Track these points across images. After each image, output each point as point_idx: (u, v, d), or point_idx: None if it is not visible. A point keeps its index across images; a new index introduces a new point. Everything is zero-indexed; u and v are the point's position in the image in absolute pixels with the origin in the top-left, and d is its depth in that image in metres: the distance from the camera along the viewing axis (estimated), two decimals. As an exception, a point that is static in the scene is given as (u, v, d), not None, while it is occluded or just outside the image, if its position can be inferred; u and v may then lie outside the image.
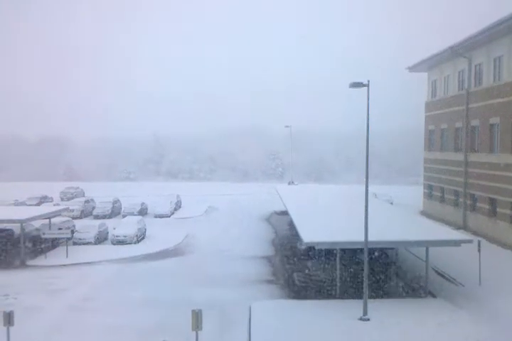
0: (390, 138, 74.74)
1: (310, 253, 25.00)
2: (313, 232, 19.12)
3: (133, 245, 29.92)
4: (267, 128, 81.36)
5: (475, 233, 30.48)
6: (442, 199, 37.55)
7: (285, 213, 33.01)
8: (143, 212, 41.55)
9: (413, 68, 40.90)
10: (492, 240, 28.35)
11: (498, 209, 28.82)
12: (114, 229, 31.38)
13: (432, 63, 38.08)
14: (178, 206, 45.76)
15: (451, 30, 48.04)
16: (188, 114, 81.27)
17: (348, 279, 20.53)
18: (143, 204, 42.57)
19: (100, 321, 17.08)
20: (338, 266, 19.09)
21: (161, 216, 40.81)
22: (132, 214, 39.17)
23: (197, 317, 12.75)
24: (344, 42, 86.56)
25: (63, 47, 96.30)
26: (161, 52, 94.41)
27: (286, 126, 62.72)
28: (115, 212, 42.18)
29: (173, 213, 42.61)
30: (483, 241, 26.04)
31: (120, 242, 30.15)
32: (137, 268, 24.72)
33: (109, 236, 31.55)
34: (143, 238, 32.06)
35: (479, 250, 20.58)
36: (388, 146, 74.33)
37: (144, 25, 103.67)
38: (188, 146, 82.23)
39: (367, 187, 17.22)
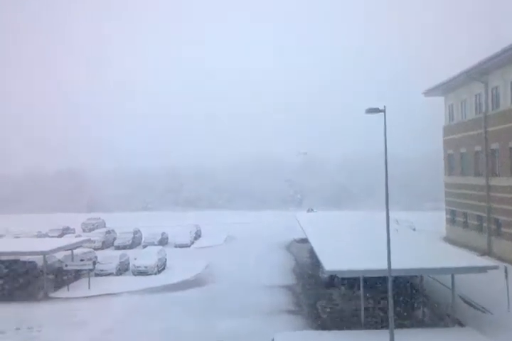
0: (409, 163, 74.32)
1: (332, 281, 24.66)
2: (334, 260, 18.92)
3: (154, 276, 29.89)
4: (284, 155, 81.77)
5: (500, 259, 29.72)
6: (465, 225, 36.89)
7: (305, 241, 32.76)
8: (163, 242, 41.63)
9: (428, 93, 41.08)
10: (519, 266, 27.59)
11: (523, 234, 28.19)
12: (135, 259, 31.45)
13: (447, 87, 38.21)
14: (197, 235, 45.79)
15: (467, 53, 48.10)
16: (205, 142, 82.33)
17: (373, 308, 20.13)
18: (163, 234, 42.72)
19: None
20: (362, 295, 18.77)
21: (181, 246, 40.84)
22: (153, 244, 39.27)
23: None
24: (362, 67, 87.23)
25: (79, 81, 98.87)
26: (179, 83, 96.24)
27: (303, 153, 63.02)
28: (136, 242, 42.34)
29: (193, 243, 42.61)
30: (510, 267, 25.42)
31: (141, 273, 30.15)
32: (158, 299, 24.62)
33: (131, 266, 31.58)
34: (163, 268, 32.02)
35: (506, 276, 20.09)
36: (407, 171, 73.76)
37: (163, 59, 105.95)
38: (205, 175, 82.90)
39: (388, 213, 17.07)
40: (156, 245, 37.90)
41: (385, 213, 17.10)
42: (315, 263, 27.84)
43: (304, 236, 31.94)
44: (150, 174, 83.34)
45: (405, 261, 18.18)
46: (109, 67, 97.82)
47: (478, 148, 34.31)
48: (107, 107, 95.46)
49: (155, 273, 30.28)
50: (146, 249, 34.23)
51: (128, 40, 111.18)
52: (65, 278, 28.37)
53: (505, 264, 26.03)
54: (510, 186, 29.64)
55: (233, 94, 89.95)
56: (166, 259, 32.80)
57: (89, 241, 34.33)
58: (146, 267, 30.24)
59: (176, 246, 40.66)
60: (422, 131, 65.25)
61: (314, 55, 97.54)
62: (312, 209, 57.92)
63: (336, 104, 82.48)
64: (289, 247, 40.17)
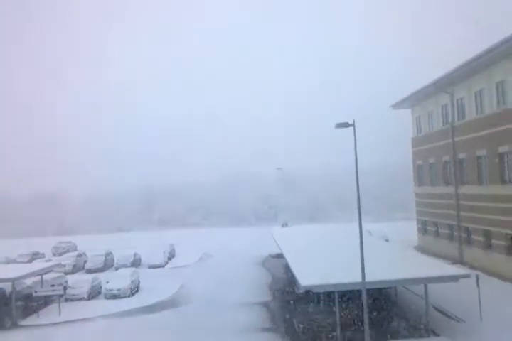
0: (379, 175, 75.32)
1: (308, 296, 24.50)
2: (310, 275, 18.84)
3: (127, 298, 29.19)
4: (258, 171, 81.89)
5: (472, 267, 30.16)
6: (436, 234, 37.43)
7: (281, 256, 32.57)
8: (136, 263, 40.82)
9: (396, 106, 41.97)
10: (490, 273, 28.02)
11: (492, 241, 28.73)
12: (107, 282, 30.67)
13: (414, 100, 39.12)
14: (171, 255, 45.10)
15: (434, 66, 49.43)
16: (178, 161, 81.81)
17: (349, 322, 20.03)
18: (136, 255, 41.90)
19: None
20: (337, 309, 18.67)
21: (154, 266, 40.11)
22: (125, 266, 38.46)
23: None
24: (332, 82, 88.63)
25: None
26: (152, 101, 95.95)
27: (278, 168, 63.27)
28: (108, 264, 41.37)
29: (167, 263, 41.91)
30: (481, 275, 25.75)
31: (114, 296, 29.41)
32: (131, 323, 23.97)
33: (103, 290, 30.77)
34: (137, 290, 31.31)
35: (478, 284, 20.33)
36: (378, 183, 74.72)
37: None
38: (179, 194, 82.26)
39: (360, 226, 17.18)
40: (128, 267, 37.11)
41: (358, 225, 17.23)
42: (291, 278, 27.67)
43: (279, 252, 31.77)
44: (123, 194, 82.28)
45: (379, 272, 18.24)
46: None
47: (446, 158, 35.06)
48: (78, 128, 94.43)
49: (128, 296, 29.57)
50: (118, 271, 33.47)
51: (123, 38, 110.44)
52: (34, 304, 27.45)
53: (477, 272, 26.41)
54: (478, 194, 30.29)
55: (197, 114, 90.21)
56: (139, 281, 32.10)
57: (59, 265, 33.37)
58: (118, 290, 29.51)
59: (149, 267, 39.91)
60: (393, 143, 66.36)
61: (288, 70, 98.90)
62: (287, 224, 57.88)
63: (309, 119, 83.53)
64: (264, 263, 39.91)
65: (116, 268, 38.01)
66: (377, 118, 66.66)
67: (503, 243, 27.48)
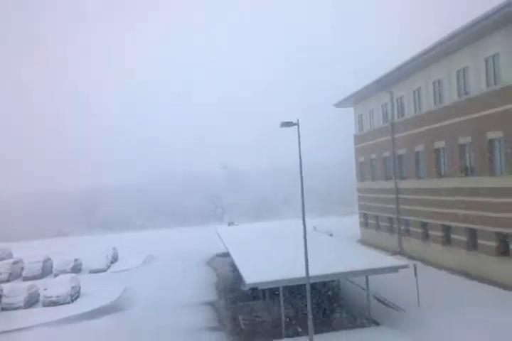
0: (325, 170, 76.89)
1: (254, 293, 24.47)
2: (255, 272, 18.76)
3: (67, 305, 27.96)
4: (204, 171, 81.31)
5: (411, 257, 31.28)
6: (378, 227, 38.53)
7: (227, 255, 32.37)
8: (76, 268, 39.24)
9: (339, 104, 42.78)
10: (427, 263, 29.18)
11: (429, 232, 29.88)
12: (45, 289, 29.24)
13: (356, 98, 40.02)
14: (114, 259, 43.72)
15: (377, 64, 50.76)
16: (119, 162, 79.76)
17: (293, 316, 20.16)
18: (76, 260, 40.26)
19: None
20: (282, 304, 18.71)
21: (96, 271, 38.70)
22: (65, 272, 36.84)
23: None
24: (273, 79, 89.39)
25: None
26: (92, 99, 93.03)
27: (223, 167, 63.08)
28: (46, 271, 39.50)
29: (109, 267, 40.54)
30: (419, 265, 26.78)
31: (53, 303, 28.09)
32: (71, 330, 22.94)
33: (41, 297, 29.32)
34: (77, 296, 30.06)
35: (416, 274, 21.02)
36: (324, 179, 76.26)
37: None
38: (121, 196, 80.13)
39: (304, 223, 17.28)
40: (68, 272, 35.59)
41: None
42: (237, 276, 27.53)
43: (225, 250, 31.53)
44: (62, 197, 79.00)
45: (322, 266, 18.43)
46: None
47: (386, 154, 36.12)
48: (17, 127, 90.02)
49: (68, 303, 28.33)
50: (57, 277, 31.97)
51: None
52: (-34, 315, 25.76)
53: (415, 262, 27.41)
54: (417, 188, 31.40)
55: (145, 111, 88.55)
56: (79, 287, 30.82)
57: (-8, 273, 31.49)
58: (57, 297, 28.21)
59: (90, 272, 38.47)
60: (337, 140, 67.87)
61: (232, 65, 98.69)
62: (233, 223, 57.82)
63: (254, 117, 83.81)
64: (211, 262, 39.52)
65: (55, 275, 36.36)
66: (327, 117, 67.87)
67: (439, 234, 28.64)
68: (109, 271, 39.34)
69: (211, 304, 25.64)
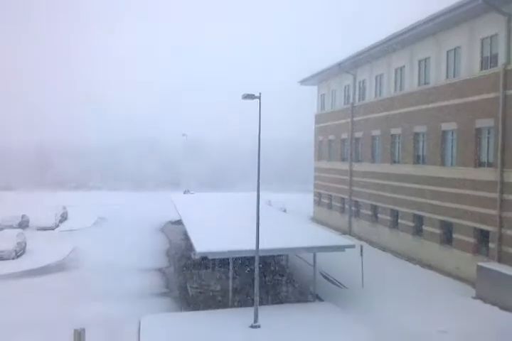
0: (285, 147, 77.44)
1: (204, 263, 24.83)
2: (206, 242, 18.95)
3: (11, 261, 27.43)
4: (163, 137, 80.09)
5: (359, 237, 32.48)
6: (330, 206, 39.57)
7: (180, 222, 32.47)
8: (23, 224, 38.35)
9: (304, 82, 42.84)
10: (374, 244, 30.40)
11: (378, 215, 31.00)
12: (-11, 244, 28.52)
13: (320, 78, 40.19)
14: (63, 218, 42.94)
15: (345, 45, 50.82)
16: (80, 119, 77.33)
17: (241, 287, 20.66)
18: (23, 216, 39.29)
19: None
20: (230, 275, 19.11)
21: (44, 228, 37.96)
22: (11, 227, 35.97)
23: (79, 337, 11.92)
24: (240, 53, 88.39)
25: None
26: (56, 60, 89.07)
27: (183, 135, 62.35)
28: (-9, 225, 38.42)
29: (58, 225, 39.84)
30: (366, 245, 27.91)
31: (-4, 258, 27.51)
32: (14, 286, 22.60)
33: (-17, 251, 28.57)
34: (23, 253, 29.53)
35: (361, 254, 21.92)
36: (282, 155, 76.89)
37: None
38: (76, 155, 77.99)
39: (258, 195, 17.52)
40: (15, 228, 34.79)
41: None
42: (188, 244, 27.76)
43: (179, 218, 31.58)
44: (12, 149, 75.92)
45: (272, 241, 18.83)
46: None
47: (344, 136, 36.76)
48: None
49: (13, 258, 27.80)
50: (2, 231, 31.15)
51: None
52: None
53: (362, 242, 28.52)
54: (370, 171, 32.30)
55: (117, 75, 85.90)
56: (25, 243, 30.26)
57: None
58: (2, 251, 27.61)
59: (38, 229, 37.71)
60: (298, 118, 68.19)
61: (202, 40, 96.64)
62: (189, 191, 57.71)
63: (218, 89, 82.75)
64: (163, 229, 39.56)
65: (1, 229, 35.43)
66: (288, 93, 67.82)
67: (387, 217, 29.78)
68: (57, 229, 38.66)
69: (160, 270, 25.81)
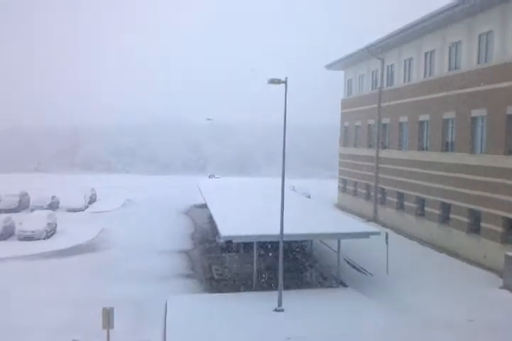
0: (310, 133, 76.99)
1: (228, 246, 25.17)
2: (231, 226, 19.18)
3: (42, 241, 28.35)
4: (190, 120, 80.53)
5: (384, 225, 32.29)
6: (355, 193, 39.34)
7: (205, 206, 32.86)
8: (54, 205, 39.43)
9: (330, 66, 42.27)
10: (399, 232, 30.20)
11: (405, 203, 30.70)
12: (21, 223, 29.50)
13: (348, 62, 39.57)
14: (93, 199, 43.97)
15: (371, 30, 49.93)
16: (107, 105, 78.30)
17: (265, 271, 20.90)
18: (54, 197, 40.38)
19: (6, 322, 16.01)
20: (255, 259, 19.35)
21: (74, 210, 38.97)
22: (42, 208, 37.06)
23: (108, 315, 12.34)
24: (268, 39, 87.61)
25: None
26: (92, 41, 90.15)
27: (209, 119, 62.46)
28: (23, 205, 39.65)
29: (87, 207, 40.85)
30: (391, 233, 27.75)
31: (28, 238, 28.43)
32: (45, 265, 23.41)
33: (16, 231, 29.60)
34: (53, 233, 30.46)
35: (387, 241, 21.83)
36: (308, 141, 76.53)
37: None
38: (105, 138, 79.26)
39: (283, 181, 17.58)
40: (45, 209, 35.81)
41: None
42: (213, 228, 28.13)
43: (204, 202, 31.96)
44: (43, 132, 77.60)
45: (297, 226, 18.93)
46: None
47: (371, 121, 36.28)
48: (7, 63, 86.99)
49: (43, 239, 28.71)
50: (33, 212, 32.17)
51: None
52: None
53: (388, 230, 28.38)
54: (397, 158, 31.91)
55: (141, 59, 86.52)
56: (56, 224, 31.16)
57: (-32, 204, 31.47)
58: (33, 232, 28.53)
59: (68, 211, 38.73)
60: (325, 103, 67.56)
61: (226, 21, 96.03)
62: (214, 175, 58.17)
63: (245, 73, 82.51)
64: (189, 212, 40.11)
65: (32, 210, 36.56)
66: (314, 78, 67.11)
67: (413, 205, 29.48)
68: (86, 211, 39.65)
69: (186, 252, 26.30)
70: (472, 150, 24.06)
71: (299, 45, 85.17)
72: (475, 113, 23.72)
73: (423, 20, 26.10)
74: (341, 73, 43.17)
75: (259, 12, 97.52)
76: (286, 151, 17.51)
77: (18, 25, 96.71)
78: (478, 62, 23.70)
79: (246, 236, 18.51)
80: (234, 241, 19.75)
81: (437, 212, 26.89)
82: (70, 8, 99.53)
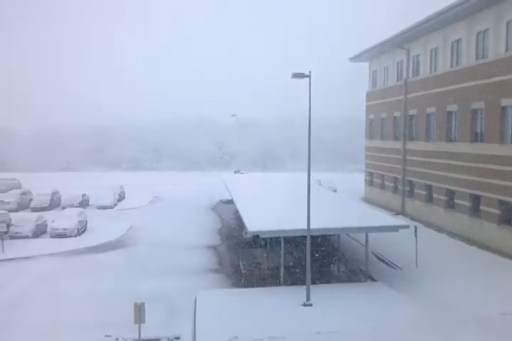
0: (335, 126, 76.26)
1: (255, 241, 25.26)
2: (258, 221, 19.23)
3: (73, 238, 29.02)
4: (214, 117, 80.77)
5: (413, 218, 31.86)
6: (382, 186, 38.90)
7: (231, 202, 33.03)
8: (84, 203, 40.29)
9: (354, 58, 41.79)
10: (428, 225, 29.75)
11: (433, 195, 30.22)
12: (53, 221, 30.26)
13: (372, 54, 39.04)
14: (121, 197, 44.72)
15: (393, 21, 49.10)
16: (133, 103, 79.29)
17: (292, 266, 20.91)
18: (84, 195, 41.25)
19: (41, 318, 16.51)
20: (282, 254, 19.38)
21: (103, 207, 39.76)
22: (73, 206, 37.88)
23: (139, 310, 12.58)
24: (288, 33, 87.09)
25: None
26: (113, 39, 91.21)
27: (233, 115, 62.62)
28: (54, 204, 40.64)
29: (116, 204, 41.59)
30: (420, 226, 27.34)
31: (60, 235, 29.15)
32: (77, 262, 24.01)
33: (48, 229, 30.39)
34: (84, 230, 31.15)
35: (416, 235, 21.55)
36: (332, 134, 75.84)
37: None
38: (132, 135, 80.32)
39: (309, 175, 17.51)
40: (76, 207, 36.62)
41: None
42: (240, 223, 28.27)
43: (230, 197, 32.15)
44: (73, 132, 79.16)
45: (324, 220, 18.86)
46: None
47: (397, 113, 35.75)
48: (29, 61, 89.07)
49: (75, 236, 29.39)
50: (65, 210, 32.95)
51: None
52: (-25, 241, 26.79)
53: (416, 223, 27.99)
54: (425, 150, 31.39)
55: (165, 58, 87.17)
56: (86, 221, 31.86)
57: (2, 202, 32.50)
58: (64, 229, 29.23)
59: (98, 208, 39.54)
60: (348, 96, 66.80)
61: (244, 17, 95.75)
62: (239, 171, 58.30)
63: (268, 67, 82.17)
64: (215, 208, 40.42)
65: (63, 208, 37.46)
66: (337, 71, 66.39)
67: (442, 197, 28.98)
68: (115, 208, 40.40)
69: (214, 248, 26.56)
70: (502, 141, 23.47)
71: (320, 38, 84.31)
72: (505, 102, 23.11)
73: (450, 8, 25.50)
74: (366, 65, 42.60)
75: (282, 6, 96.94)
76: (311, 145, 17.42)
77: (45, 24, 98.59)
78: (507, 50, 23.05)
79: (273, 231, 18.54)
80: (261, 236, 19.80)
81: (467, 204, 26.37)
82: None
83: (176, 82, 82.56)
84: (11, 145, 75.97)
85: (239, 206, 23.59)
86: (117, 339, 14.74)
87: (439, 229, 28.57)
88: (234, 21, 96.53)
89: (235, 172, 58.11)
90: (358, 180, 47.16)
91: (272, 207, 23.20)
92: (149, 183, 56.61)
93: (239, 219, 27.32)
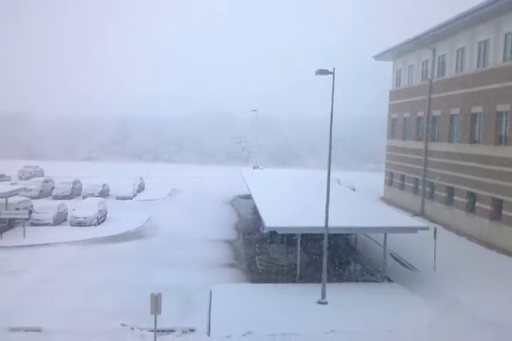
0: (356, 125, 75.62)
1: (272, 237, 25.29)
2: (275, 217, 19.24)
3: (93, 227, 29.45)
4: (235, 112, 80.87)
5: (432, 220, 31.48)
6: (402, 187, 38.51)
7: (249, 197, 33.11)
8: (104, 193, 40.81)
9: (379, 57, 41.31)
10: (448, 227, 29.37)
11: (454, 198, 29.80)
12: (74, 210, 30.74)
13: (397, 52, 38.53)
14: (141, 188, 45.18)
15: (420, 20, 48.45)
16: (155, 96, 79.78)
17: (309, 263, 20.91)
18: (104, 185, 41.78)
19: (59, 304, 16.82)
20: (298, 251, 19.37)
21: (123, 198, 40.20)
22: (93, 195, 38.41)
23: (156, 301, 12.72)
24: (311, 30, 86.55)
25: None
26: (134, 35, 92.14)
27: (253, 110, 62.57)
28: (75, 192, 41.29)
29: (135, 195, 42.03)
30: (439, 228, 26.94)
31: (80, 224, 29.61)
32: (96, 250, 24.38)
33: (69, 217, 30.89)
34: (103, 220, 31.58)
35: (435, 237, 21.30)
36: (353, 133, 75.26)
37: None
38: (153, 128, 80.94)
39: (329, 174, 17.44)
40: (96, 196, 37.13)
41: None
42: (257, 219, 28.34)
43: (248, 193, 32.23)
44: (95, 123, 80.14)
45: (342, 219, 18.77)
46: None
47: (420, 113, 35.29)
48: (53, 51, 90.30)
49: (94, 225, 29.82)
50: (85, 199, 33.43)
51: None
52: (-2, 226, 27.42)
53: (436, 225, 27.63)
54: (447, 152, 30.95)
55: (187, 50, 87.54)
56: (106, 211, 32.28)
57: (25, 189, 33.06)
58: (85, 218, 29.67)
59: (117, 198, 39.99)
60: (371, 95, 66.14)
61: (267, 17, 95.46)
62: (258, 167, 58.30)
63: (290, 65, 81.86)
64: (233, 202, 40.54)
65: (84, 197, 38.01)
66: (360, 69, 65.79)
67: (463, 200, 28.57)
68: (135, 199, 40.84)
69: (230, 242, 26.67)
70: (528, 145, 23.01)
71: (343, 35, 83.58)
72: (533, 105, 22.62)
73: (478, 8, 25.03)
74: (390, 64, 42.09)
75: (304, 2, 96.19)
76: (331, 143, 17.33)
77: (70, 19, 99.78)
78: (538, 52, 22.53)
79: (290, 228, 18.55)
80: (278, 232, 19.82)
81: (489, 207, 25.95)
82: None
83: (199, 75, 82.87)
84: (34, 133, 77.25)
85: (257, 201, 23.64)
86: (133, 328, 14.95)
87: (459, 232, 28.19)
88: (256, 19, 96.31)
89: (254, 167, 58.12)
90: (376, 179, 46.76)
91: (291, 203, 23.17)
92: (169, 175, 56.99)
93: (256, 214, 27.39)
